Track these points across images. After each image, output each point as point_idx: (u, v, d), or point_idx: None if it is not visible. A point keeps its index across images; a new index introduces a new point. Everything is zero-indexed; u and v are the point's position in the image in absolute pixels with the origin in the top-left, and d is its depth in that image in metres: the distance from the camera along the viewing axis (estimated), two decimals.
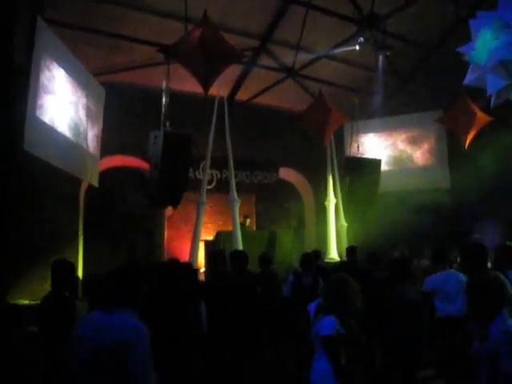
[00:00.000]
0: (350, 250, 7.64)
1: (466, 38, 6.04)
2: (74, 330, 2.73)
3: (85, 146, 9.03)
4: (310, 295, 5.46)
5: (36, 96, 6.87)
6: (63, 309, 3.81)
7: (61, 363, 3.31)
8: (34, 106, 6.83)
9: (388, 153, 13.18)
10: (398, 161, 13.15)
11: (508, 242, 5.17)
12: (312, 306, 4.15)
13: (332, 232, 12.06)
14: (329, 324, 3.47)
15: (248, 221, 11.48)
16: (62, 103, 7.94)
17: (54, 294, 3.93)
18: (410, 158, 13.11)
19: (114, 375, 2.52)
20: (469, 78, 6.16)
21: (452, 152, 12.21)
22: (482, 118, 9.92)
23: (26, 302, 7.03)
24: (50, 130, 7.45)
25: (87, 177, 9.46)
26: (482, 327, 2.75)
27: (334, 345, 3.32)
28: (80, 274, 9.26)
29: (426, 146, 12.97)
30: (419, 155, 13.01)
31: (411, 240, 10.59)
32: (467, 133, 10.12)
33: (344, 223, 12.10)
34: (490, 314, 2.75)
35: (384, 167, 12.06)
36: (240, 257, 5.35)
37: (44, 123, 7.21)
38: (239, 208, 10.48)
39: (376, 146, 13.15)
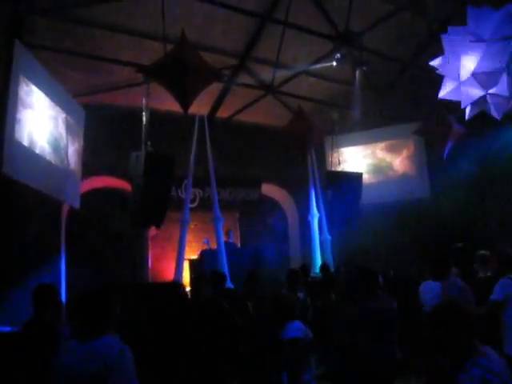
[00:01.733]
0: (323, 268, 7.69)
1: (441, 51, 6.18)
2: (56, 358, 2.69)
3: (65, 162, 8.91)
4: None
5: (14, 119, 6.84)
6: (45, 335, 3.76)
7: None
8: (12, 129, 6.79)
9: (367, 161, 13.34)
10: (378, 169, 13.28)
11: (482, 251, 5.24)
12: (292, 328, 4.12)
13: (316, 246, 12.10)
14: (297, 328, 3.62)
15: (231, 235, 11.35)
16: (40, 117, 7.86)
17: (35, 319, 3.88)
18: (389, 166, 13.25)
19: None
20: (443, 91, 6.29)
21: (431, 163, 12.40)
22: (457, 130, 10.11)
23: (8, 328, 6.91)
24: (28, 152, 7.39)
25: (68, 198, 9.39)
26: None
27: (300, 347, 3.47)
28: (63, 297, 9.15)
29: (404, 154, 13.14)
30: (398, 163, 13.17)
31: (394, 251, 10.69)
32: (444, 144, 10.29)
33: (328, 236, 12.16)
34: None
35: (364, 176, 12.20)
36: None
37: (23, 145, 7.16)
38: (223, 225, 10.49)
39: (356, 157, 13.29)
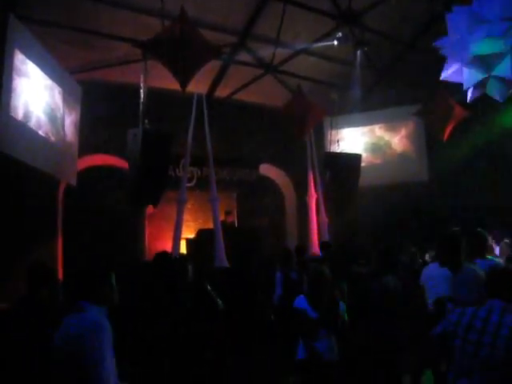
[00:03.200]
0: (325, 245, 7.71)
1: (443, 32, 6.08)
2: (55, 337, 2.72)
3: (62, 133, 8.80)
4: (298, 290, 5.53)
5: (9, 95, 6.74)
6: (37, 313, 3.72)
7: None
8: (8, 104, 6.69)
9: (365, 139, 13.29)
10: (376, 147, 13.24)
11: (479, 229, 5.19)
12: (297, 302, 4.30)
13: (313, 227, 12.09)
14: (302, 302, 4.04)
15: (230, 217, 11.35)
16: (36, 87, 7.74)
17: (28, 297, 3.84)
18: (387, 144, 13.21)
19: (71, 375, 2.54)
20: (445, 73, 6.19)
21: (430, 146, 12.35)
22: (459, 111, 10.03)
23: (4, 305, 6.90)
24: (24, 128, 7.32)
25: (65, 176, 9.32)
26: None
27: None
28: (60, 275, 9.14)
29: (403, 132, 13.11)
30: (397, 141, 13.14)
31: (391, 234, 10.68)
32: (445, 126, 10.22)
33: (325, 218, 12.14)
34: None
35: (362, 155, 12.16)
36: None
37: (18, 121, 7.07)
38: (220, 205, 10.45)
39: (354, 135, 13.23)
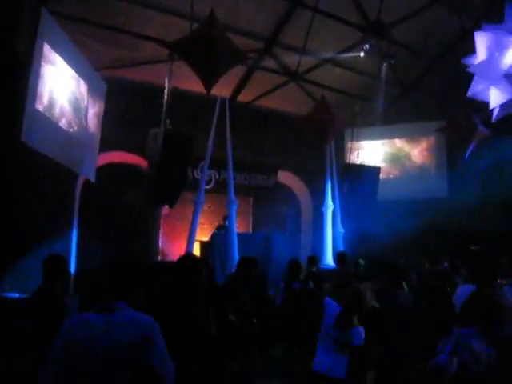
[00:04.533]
0: (341, 256, 7.66)
1: (471, 49, 6.02)
2: (68, 334, 2.56)
3: (84, 123, 8.86)
4: (298, 301, 5.49)
5: (36, 87, 6.83)
6: (54, 304, 3.76)
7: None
8: (34, 97, 6.78)
9: (385, 149, 13.20)
10: (396, 158, 13.14)
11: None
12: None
13: (328, 238, 12.02)
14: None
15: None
16: (62, 76, 7.81)
17: (44, 288, 3.88)
18: (407, 156, 13.11)
19: (131, 373, 2.44)
20: (472, 90, 6.14)
21: (450, 163, 12.22)
22: (483, 131, 9.91)
23: (17, 294, 6.96)
24: (48, 122, 7.40)
25: (84, 171, 9.40)
26: None
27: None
28: (72, 269, 9.20)
29: (424, 145, 12.98)
30: (417, 153, 13.03)
31: (407, 249, 10.56)
32: (467, 145, 10.11)
33: (341, 229, 12.06)
34: None
35: (380, 165, 12.07)
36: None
37: (43, 115, 7.16)
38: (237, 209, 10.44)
39: (374, 147, 13.15)
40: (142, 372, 2.45)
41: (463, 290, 4.89)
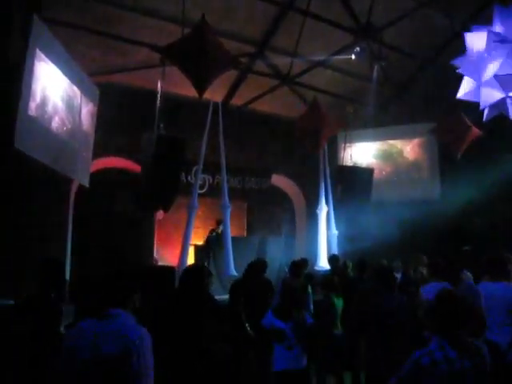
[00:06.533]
0: (333, 259, 7.69)
1: (461, 51, 6.07)
2: (65, 339, 2.62)
3: (78, 121, 8.83)
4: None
5: (28, 93, 6.82)
6: (48, 310, 3.74)
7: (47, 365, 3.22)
8: (27, 103, 6.78)
9: (377, 146, 13.24)
10: (388, 155, 13.18)
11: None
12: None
13: (323, 240, 12.04)
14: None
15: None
16: (55, 81, 7.80)
17: (40, 293, 3.85)
18: (399, 153, 13.15)
19: (116, 382, 2.46)
20: (462, 91, 6.18)
21: (443, 163, 12.27)
22: (474, 131, 9.98)
23: (11, 301, 6.93)
24: (41, 128, 7.38)
25: (78, 176, 9.38)
26: None
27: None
28: (67, 275, 9.17)
29: (416, 141, 13.04)
30: (409, 149, 13.07)
31: (402, 251, 10.59)
32: (459, 145, 10.17)
33: (335, 231, 12.09)
34: None
35: (373, 162, 12.10)
36: None
37: (36, 120, 7.15)
38: (231, 213, 10.45)
39: (366, 144, 13.21)
40: (126, 382, 2.46)
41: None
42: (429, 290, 4.99)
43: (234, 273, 8.84)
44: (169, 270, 7.48)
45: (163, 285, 5.68)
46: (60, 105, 8.03)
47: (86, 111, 9.25)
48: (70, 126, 8.48)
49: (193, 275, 3.89)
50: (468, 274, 6.21)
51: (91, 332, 2.51)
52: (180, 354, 3.59)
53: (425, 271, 6.51)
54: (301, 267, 6.77)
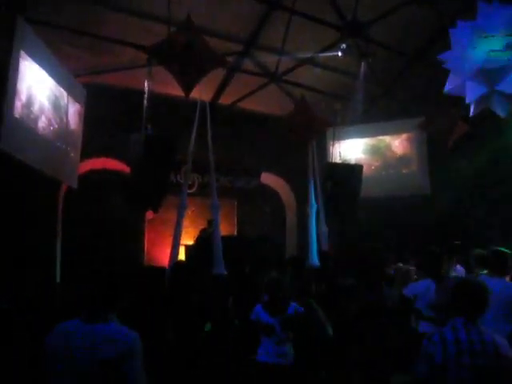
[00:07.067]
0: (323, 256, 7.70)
1: (448, 46, 6.10)
2: (53, 339, 2.59)
3: (65, 120, 8.79)
4: None
5: (13, 95, 6.78)
6: (39, 314, 3.72)
7: None
8: (12, 104, 6.73)
9: (365, 141, 13.28)
10: (376, 149, 13.22)
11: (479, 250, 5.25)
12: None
13: (313, 237, 12.04)
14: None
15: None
16: (40, 83, 7.77)
17: (30, 297, 3.84)
18: (388, 147, 13.19)
19: None
20: (449, 86, 6.22)
21: (432, 158, 12.33)
22: (462, 126, 10.05)
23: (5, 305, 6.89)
24: (27, 128, 7.35)
25: (66, 178, 9.33)
26: None
27: None
28: (58, 277, 9.13)
29: (404, 136, 13.09)
30: (398, 144, 13.12)
31: (392, 247, 10.65)
32: (448, 140, 10.23)
33: (325, 228, 12.09)
34: None
35: (361, 157, 12.11)
36: None
37: (22, 121, 7.10)
38: (221, 212, 10.42)
39: (356, 144, 13.25)
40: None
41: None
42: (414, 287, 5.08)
43: (224, 271, 8.82)
44: (159, 271, 7.47)
45: (154, 285, 5.66)
46: (46, 104, 7.98)
47: (73, 111, 9.20)
48: (56, 126, 8.43)
49: (179, 272, 3.90)
50: (460, 267, 6.28)
51: (80, 334, 2.50)
52: (173, 353, 3.60)
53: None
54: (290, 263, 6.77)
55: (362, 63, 10.44)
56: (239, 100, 11.84)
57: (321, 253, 8.63)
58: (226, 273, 8.67)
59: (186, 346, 3.75)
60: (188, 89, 6.76)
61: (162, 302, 4.06)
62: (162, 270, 7.63)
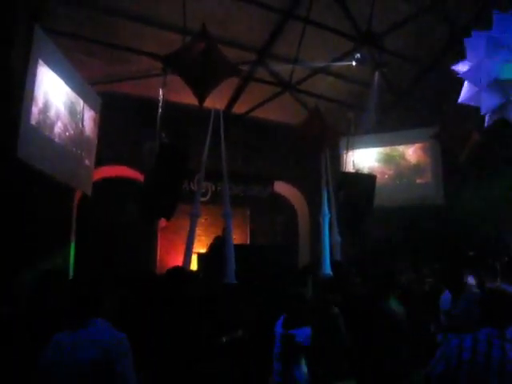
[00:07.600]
0: (336, 265, 7.67)
1: (462, 55, 6.07)
2: (44, 356, 2.66)
3: (80, 126, 8.87)
4: None
5: (31, 103, 6.86)
6: (49, 320, 3.72)
7: None
8: (29, 113, 6.81)
9: (379, 149, 13.23)
10: (390, 158, 13.16)
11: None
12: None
13: (326, 246, 11.99)
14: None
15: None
16: (57, 91, 7.86)
17: (40, 303, 3.84)
18: (402, 156, 13.14)
19: None
20: (463, 96, 6.18)
21: (446, 168, 12.24)
22: (475, 136, 9.98)
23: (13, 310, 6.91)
24: (43, 136, 7.42)
25: (80, 185, 9.40)
26: None
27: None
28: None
29: (418, 145, 13.02)
30: (411, 152, 13.05)
31: (406, 257, 10.57)
32: (462, 150, 10.16)
33: (338, 238, 12.04)
34: None
35: (375, 165, 12.04)
36: None
37: (38, 130, 7.18)
38: (234, 221, 10.42)
39: (369, 152, 13.21)
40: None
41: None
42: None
43: (235, 281, 8.80)
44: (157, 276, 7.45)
45: (167, 292, 5.63)
46: (62, 110, 8.08)
47: (89, 118, 9.30)
48: (72, 132, 8.51)
49: (173, 278, 3.94)
50: (472, 279, 6.20)
51: (67, 341, 2.59)
52: (168, 356, 3.61)
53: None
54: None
55: (376, 72, 10.43)
56: (253, 109, 11.87)
57: (334, 262, 8.57)
58: (235, 282, 8.65)
59: (182, 349, 3.76)
60: (202, 98, 6.80)
61: (160, 304, 4.08)
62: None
